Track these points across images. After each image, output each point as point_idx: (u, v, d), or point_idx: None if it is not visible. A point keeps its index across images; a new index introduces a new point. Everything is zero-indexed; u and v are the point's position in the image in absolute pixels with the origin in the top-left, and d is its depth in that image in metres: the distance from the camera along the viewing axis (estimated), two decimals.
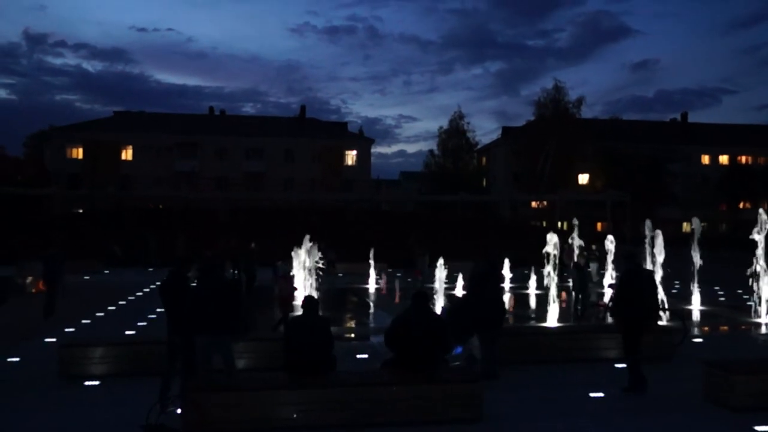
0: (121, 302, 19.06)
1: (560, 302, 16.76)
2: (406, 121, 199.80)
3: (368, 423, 7.52)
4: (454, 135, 75.38)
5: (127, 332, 13.69)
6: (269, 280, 21.02)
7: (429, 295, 8.88)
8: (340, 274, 28.52)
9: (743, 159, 79.61)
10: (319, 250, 28.30)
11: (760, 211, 16.28)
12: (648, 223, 19.75)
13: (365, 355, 11.40)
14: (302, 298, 8.83)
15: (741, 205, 76.63)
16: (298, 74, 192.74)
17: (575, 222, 27.44)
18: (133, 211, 39.91)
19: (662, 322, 14.12)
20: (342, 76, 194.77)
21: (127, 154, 68.30)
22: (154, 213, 38.46)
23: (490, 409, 8.03)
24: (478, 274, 10.50)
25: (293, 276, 16.01)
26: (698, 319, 17.20)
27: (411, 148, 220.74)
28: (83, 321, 15.41)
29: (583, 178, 74.29)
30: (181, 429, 7.19)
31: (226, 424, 7.33)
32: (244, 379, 8.48)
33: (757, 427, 7.64)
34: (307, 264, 18.83)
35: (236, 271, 21.96)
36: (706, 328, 15.79)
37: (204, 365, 8.41)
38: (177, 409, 7.60)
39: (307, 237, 19.75)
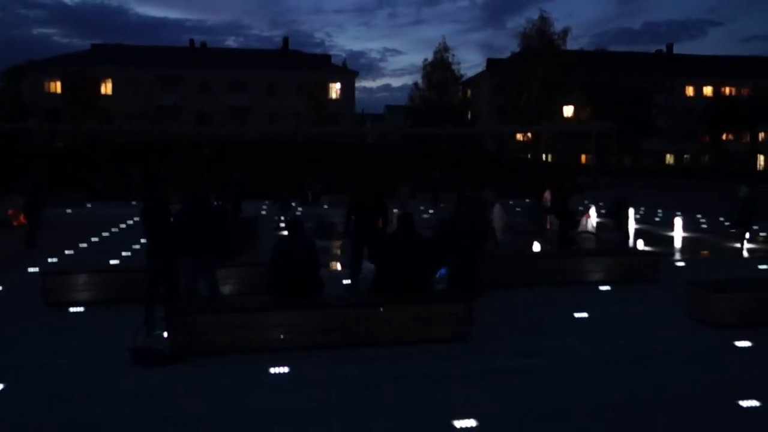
0: (104, 234, 18.93)
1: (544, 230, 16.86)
2: (391, 55, 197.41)
3: (356, 343, 7.55)
4: (439, 68, 74.30)
5: (112, 261, 13.62)
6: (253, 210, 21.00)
7: (413, 218, 8.83)
8: (326, 206, 28.48)
9: (727, 90, 79.47)
10: (306, 183, 28.26)
11: None
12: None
13: (350, 281, 11.42)
14: (287, 221, 8.76)
15: (724, 137, 76.87)
16: (281, 6, 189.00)
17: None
18: (115, 146, 39.30)
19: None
20: (326, 8, 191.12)
21: (106, 88, 66.98)
22: (136, 147, 37.84)
23: (478, 329, 8.10)
24: (463, 201, 10.49)
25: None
26: (680, 244, 17.39)
27: (396, 82, 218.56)
28: (66, 252, 15.30)
29: (569, 111, 73.93)
30: (168, 351, 7.18)
31: (212, 346, 7.34)
32: (230, 302, 8.46)
33: (737, 342, 7.79)
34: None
35: (221, 202, 21.82)
36: (688, 254, 16.00)
37: (189, 289, 8.39)
38: (163, 332, 7.59)
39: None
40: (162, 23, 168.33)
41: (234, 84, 70.13)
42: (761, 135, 78.36)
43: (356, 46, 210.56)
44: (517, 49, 69.56)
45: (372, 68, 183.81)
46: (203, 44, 78.93)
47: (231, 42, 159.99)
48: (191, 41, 78.58)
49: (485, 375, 6.74)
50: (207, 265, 8.45)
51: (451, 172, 31.82)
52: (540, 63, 64.69)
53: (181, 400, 6.09)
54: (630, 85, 68.75)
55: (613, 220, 15.33)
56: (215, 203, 21.54)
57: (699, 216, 23.26)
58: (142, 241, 11.68)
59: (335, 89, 73.18)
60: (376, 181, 22.43)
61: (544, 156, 64.36)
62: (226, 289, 10.14)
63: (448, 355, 7.33)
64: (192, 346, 7.24)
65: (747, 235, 15.94)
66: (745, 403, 5.90)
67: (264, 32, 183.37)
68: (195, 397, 6.18)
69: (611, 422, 5.58)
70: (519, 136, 71.22)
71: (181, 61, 70.16)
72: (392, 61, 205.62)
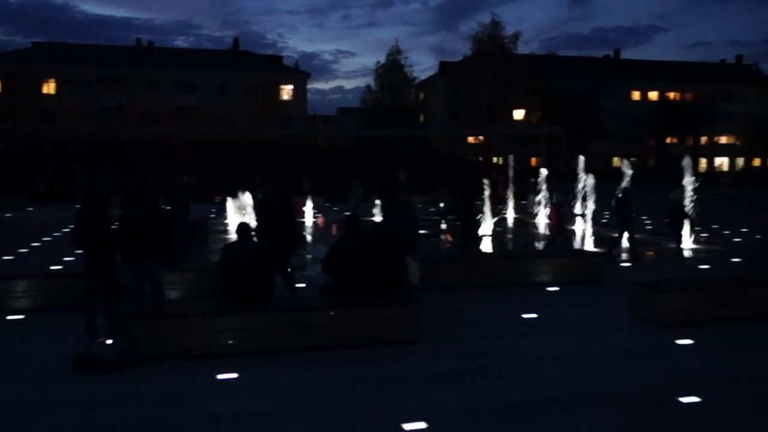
0: (45, 238, 18.41)
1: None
2: (344, 57, 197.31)
3: (306, 348, 7.48)
4: (392, 70, 74.62)
5: (53, 267, 13.22)
6: (202, 214, 20.69)
7: (360, 221, 8.79)
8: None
9: (672, 95, 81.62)
10: (255, 185, 27.80)
11: None
12: (581, 158, 20.06)
13: (302, 285, 11.33)
14: (236, 225, 8.62)
15: (668, 140, 78.93)
16: (232, 7, 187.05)
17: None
18: (57, 147, 38.29)
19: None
20: (279, 9, 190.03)
21: (49, 88, 65.28)
22: (80, 148, 36.94)
23: (429, 331, 8.11)
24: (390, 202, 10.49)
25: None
26: (626, 245, 17.72)
27: (349, 84, 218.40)
28: (5, 257, 14.83)
29: (519, 114, 74.96)
30: (112, 359, 7.00)
31: (158, 353, 7.17)
32: (177, 307, 8.30)
33: (678, 341, 7.98)
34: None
35: (169, 206, 21.45)
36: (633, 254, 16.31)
37: (136, 294, 8.20)
38: (106, 339, 7.39)
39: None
40: (108, 21, 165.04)
41: (183, 84, 69.10)
42: (703, 139, 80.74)
43: (309, 47, 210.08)
44: (470, 53, 70.30)
45: (325, 70, 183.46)
46: (151, 43, 77.58)
47: (180, 42, 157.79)
48: (138, 40, 77.15)
49: (435, 377, 6.75)
50: (152, 270, 8.27)
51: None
52: (491, 66, 65.49)
53: (127, 409, 5.93)
54: (579, 89, 70.09)
55: (618, 218, 15.15)
56: (163, 206, 21.22)
57: (644, 218, 23.78)
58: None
59: (287, 91, 72.77)
60: (284, 180, 22.03)
61: (495, 159, 65.10)
62: (173, 293, 9.95)
63: (399, 358, 7.32)
64: (137, 352, 7.07)
65: (684, 235, 16.07)
66: (685, 400, 6.04)
67: (215, 32, 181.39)
68: (141, 405, 6.02)
69: (558, 421, 5.64)
70: (471, 139, 71.86)
71: (128, 60, 68.79)
72: (345, 63, 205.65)
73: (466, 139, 71.52)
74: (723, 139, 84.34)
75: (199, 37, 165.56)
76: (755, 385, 6.50)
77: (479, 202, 19.88)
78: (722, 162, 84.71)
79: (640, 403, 6.05)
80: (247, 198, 20.06)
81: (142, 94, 66.98)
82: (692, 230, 16.31)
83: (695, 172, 17.38)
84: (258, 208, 9.86)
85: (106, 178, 27.02)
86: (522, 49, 73.41)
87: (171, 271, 9.60)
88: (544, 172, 21.42)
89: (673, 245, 15.25)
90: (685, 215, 14.96)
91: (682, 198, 14.66)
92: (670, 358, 7.39)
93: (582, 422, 5.62)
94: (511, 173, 26.26)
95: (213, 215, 24.50)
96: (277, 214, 9.51)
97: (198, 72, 69.06)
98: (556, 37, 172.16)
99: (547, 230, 16.23)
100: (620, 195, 14.74)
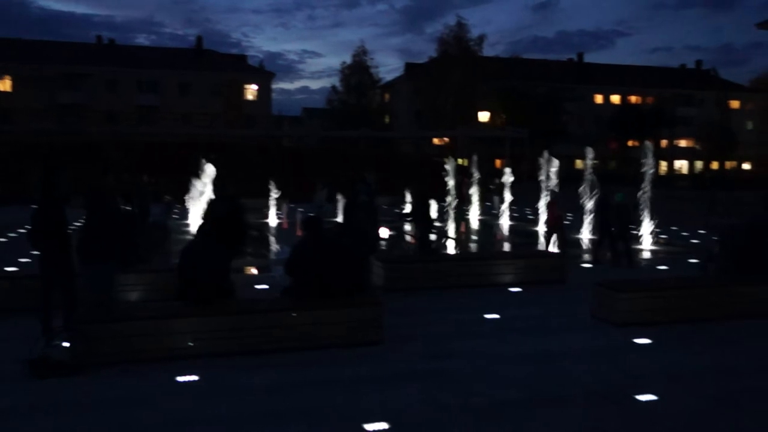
0: (0, 239, 17.99)
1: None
2: (309, 57, 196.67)
3: (267, 350, 7.43)
4: (357, 71, 74.56)
5: (8, 268, 12.92)
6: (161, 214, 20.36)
7: (322, 222, 8.75)
8: None
9: (633, 99, 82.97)
10: (217, 185, 27.45)
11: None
12: (545, 154, 20.21)
13: (266, 286, 11.26)
14: (196, 226, 8.50)
15: (630, 143, 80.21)
16: (196, 4, 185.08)
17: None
18: (13, 146, 37.43)
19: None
20: (243, 7, 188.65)
21: (5, 85, 63.80)
22: (37, 147, 36.15)
23: (391, 332, 8.11)
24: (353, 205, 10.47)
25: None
26: (588, 247, 17.97)
27: (314, 85, 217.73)
28: None
29: (484, 116, 75.49)
30: (69, 362, 6.85)
31: (117, 356, 7.05)
32: (135, 309, 8.17)
33: (636, 340, 8.11)
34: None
35: (129, 207, 21.09)
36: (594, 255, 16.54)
37: (94, 296, 8.03)
38: (63, 342, 7.23)
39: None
40: (67, 18, 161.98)
41: (144, 83, 68.12)
42: (664, 142, 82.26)
43: (274, 47, 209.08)
44: (435, 55, 70.59)
45: (290, 70, 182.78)
46: (111, 41, 76.32)
47: (142, 40, 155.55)
48: (99, 38, 75.83)
49: (397, 378, 6.75)
50: (110, 272, 8.12)
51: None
52: (456, 68, 65.84)
53: (83, 414, 5.82)
54: (543, 91, 70.87)
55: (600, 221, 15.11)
56: (122, 207, 20.84)
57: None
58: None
59: (251, 90, 72.25)
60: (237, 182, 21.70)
61: (460, 160, 65.44)
62: (133, 295, 9.81)
63: (361, 359, 7.31)
64: (95, 355, 6.93)
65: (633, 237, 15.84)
66: (642, 398, 6.13)
67: (178, 31, 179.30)
68: (98, 410, 5.91)
69: (518, 421, 5.68)
70: (436, 141, 72.15)
71: (88, 58, 67.63)
72: (311, 63, 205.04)
73: (431, 141, 71.77)
74: (683, 143, 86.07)
75: (161, 35, 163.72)
76: (710, 383, 6.63)
77: (444, 203, 20.02)
78: (682, 165, 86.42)
79: (597, 401, 6.12)
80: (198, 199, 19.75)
81: (102, 92, 65.85)
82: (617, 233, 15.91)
83: (647, 174, 17.61)
84: (206, 211, 9.28)
85: (63, 178, 26.38)
86: (487, 51, 73.97)
87: (130, 272, 9.44)
88: (507, 176, 21.24)
89: (620, 247, 15.07)
90: (630, 217, 14.80)
91: (626, 200, 14.68)
92: (628, 357, 7.50)
93: (541, 421, 5.67)
94: (476, 174, 26.36)
95: (176, 216, 24.18)
96: (222, 217, 9.18)
97: (160, 71, 68.16)
98: (520, 41, 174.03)
99: (545, 227, 16.43)
100: (601, 197, 14.94)
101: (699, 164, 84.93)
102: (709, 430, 5.58)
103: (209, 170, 20.46)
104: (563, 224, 16.09)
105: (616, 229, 14.45)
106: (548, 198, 16.00)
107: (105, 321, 7.23)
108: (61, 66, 64.45)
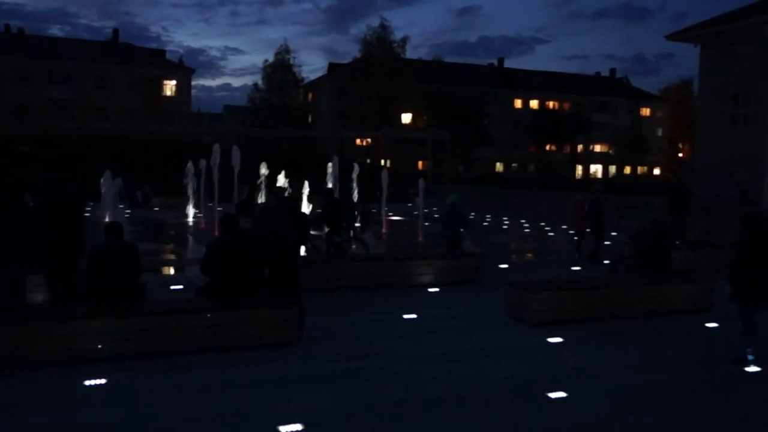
0: None
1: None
2: (232, 54, 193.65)
3: (180, 351, 7.25)
4: (280, 69, 73.79)
5: None
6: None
7: (238, 221, 8.60)
8: (156, 208, 27.29)
9: (551, 104, 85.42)
10: (128, 182, 26.59)
11: None
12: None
13: (180, 286, 10.99)
14: (106, 225, 8.20)
15: (548, 147, 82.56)
16: None
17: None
18: None
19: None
20: (163, 1, 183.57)
21: None
22: None
23: (310, 332, 8.06)
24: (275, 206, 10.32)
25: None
26: (505, 248, 18.38)
27: (237, 82, 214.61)
28: None
29: (407, 117, 76.13)
30: None
31: (21, 359, 6.72)
32: (42, 310, 7.84)
33: (549, 339, 8.33)
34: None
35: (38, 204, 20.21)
36: (514, 256, 16.98)
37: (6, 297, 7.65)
38: None
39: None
40: None
41: (57, 75, 65.42)
42: (580, 147, 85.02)
43: (195, 42, 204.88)
44: (359, 55, 70.66)
45: (212, 66, 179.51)
46: (21, 30, 72.91)
47: (56, 30, 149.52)
48: (7, 26, 72.26)
49: (313, 379, 6.71)
50: (17, 272, 7.75)
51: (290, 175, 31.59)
52: (379, 69, 66.11)
53: None
54: (465, 95, 72.06)
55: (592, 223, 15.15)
56: (31, 205, 19.96)
57: (523, 221, 24.72)
58: None
59: (170, 86, 70.48)
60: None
61: (382, 161, 65.74)
62: (39, 296, 9.38)
63: (277, 360, 7.23)
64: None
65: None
66: (553, 395, 6.30)
67: (94, 22, 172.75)
68: (2, 415, 5.63)
69: (433, 419, 5.74)
70: (359, 141, 72.26)
71: None
72: (233, 60, 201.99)
73: (354, 141, 71.82)
74: (597, 148, 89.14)
75: (76, 26, 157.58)
76: (619, 380, 6.89)
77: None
78: (597, 169, 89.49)
79: (511, 399, 6.26)
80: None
81: (11, 84, 62.79)
82: (470, 235, 15.59)
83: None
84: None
85: None
86: (410, 54, 74.73)
87: (37, 273, 9.04)
88: (421, 184, 20.87)
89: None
90: (464, 219, 14.75)
91: (458, 202, 14.60)
92: (541, 356, 7.70)
93: (456, 419, 5.75)
94: (386, 177, 26.13)
95: (87, 214, 23.35)
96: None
97: (74, 63, 65.56)
98: (443, 44, 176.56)
99: (570, 229, 16.24)
100: (594, 201, 15.15)
101: (613, 169, 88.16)
102: (614, 424, 5.81)
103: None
104: (585, 226, 15.38)
105: (447, 230, 14.00)
106: (586, 200, 15.68)
107: (9, 322, 6.89)
108: None
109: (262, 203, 9.87)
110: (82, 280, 7.91)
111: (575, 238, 15.67)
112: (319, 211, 15.43)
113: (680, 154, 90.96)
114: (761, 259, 7.42)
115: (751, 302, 7.50)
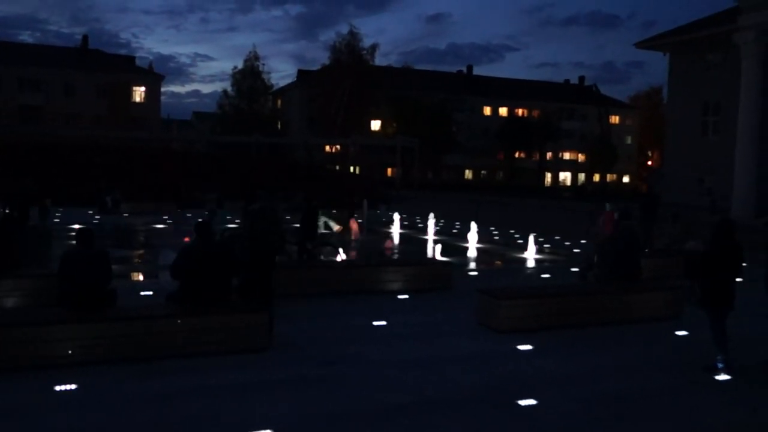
0: None
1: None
2: (201, 60, 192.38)
3: (150, 357, 7.24)
4: (249, 76, 73.59)
5: None
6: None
7: (210, 227, 8.62)
8: (126, 214, 27.03)
9: (520, 111, 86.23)
10: (100, 188, 26.38)
11: None
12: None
13: (150, 292, 10.93)
14: (76, 231, 8.17)
15: (517, 154, 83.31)
16: (83, 3, 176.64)
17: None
18: None
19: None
20: (133, 7, 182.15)
21: None
22: None
23: (280, 338, 8.10)
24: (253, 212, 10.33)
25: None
26: (474, 254, 18.56)
27: (206, 89, 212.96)
28: None
29: (376, 124, 76.34)
30: None
31: None
32: (11, 315, 7.77)
33: (519, 346, 8.45)
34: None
35: (7, 209, 19.98)
36: (482, 264, 17.15)
37: None
38: None
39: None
40: None
41: (26, 82, 64.59)
42: (549, 154, 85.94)
43: (165, 49, 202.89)
44: (328, 62, 70.72)
45: (181, 73, 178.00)
46: None
47: (26, 37, 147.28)
48: None
49: (283, 385, 6.74)
50: None
51: (260, 181, 31.52)
52: (348, 76, 66.24)
53: None
54: (434, 102, 72.45)
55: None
56: (2, 210, 19.72)
57: (492, 228, 24.93)
58: None
59: (139, 92, 69.93)
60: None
61: (352, 168, 65.79)
62: (10, 301, 9.29)
63: (246, 366, 7.26)
64: None
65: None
66: (522, 402, 6.42)
67: (63, 29, 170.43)
68: None
69: (402, 426, 5.81)
70: (328, 148, 72.26)
71: None
72: (203, 67, 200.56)
73: (323, 148, 71.84)
74: (567, 155, 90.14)
75: (46, 33, 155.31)
76: (588, 387, 7.00)
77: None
78: (566, 177, 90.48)
79: (480, 406, 6.34)
80: None
81: None
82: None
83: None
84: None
85: None
86: (379, 61, 75.12)
87: (7, 277, 8.97)
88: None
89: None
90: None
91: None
92: (510, 363, 7.80)
93: (425, 426, 5.82)
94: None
95: (56, 220, 23.09)
96: None
97: (43, 69, 64.80)
98: (413, 51, 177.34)
99: (597, 239, 16.20)
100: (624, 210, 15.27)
101: (582, 176, 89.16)
102: (584, 431, 5.92)
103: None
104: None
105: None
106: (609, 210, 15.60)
107: None
108: None
109: (254, 205, 9.89)
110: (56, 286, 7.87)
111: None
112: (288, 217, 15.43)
113: (649, 162, 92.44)
114: (730, 265, 7.56)
115: (721, 305, 7.54)
